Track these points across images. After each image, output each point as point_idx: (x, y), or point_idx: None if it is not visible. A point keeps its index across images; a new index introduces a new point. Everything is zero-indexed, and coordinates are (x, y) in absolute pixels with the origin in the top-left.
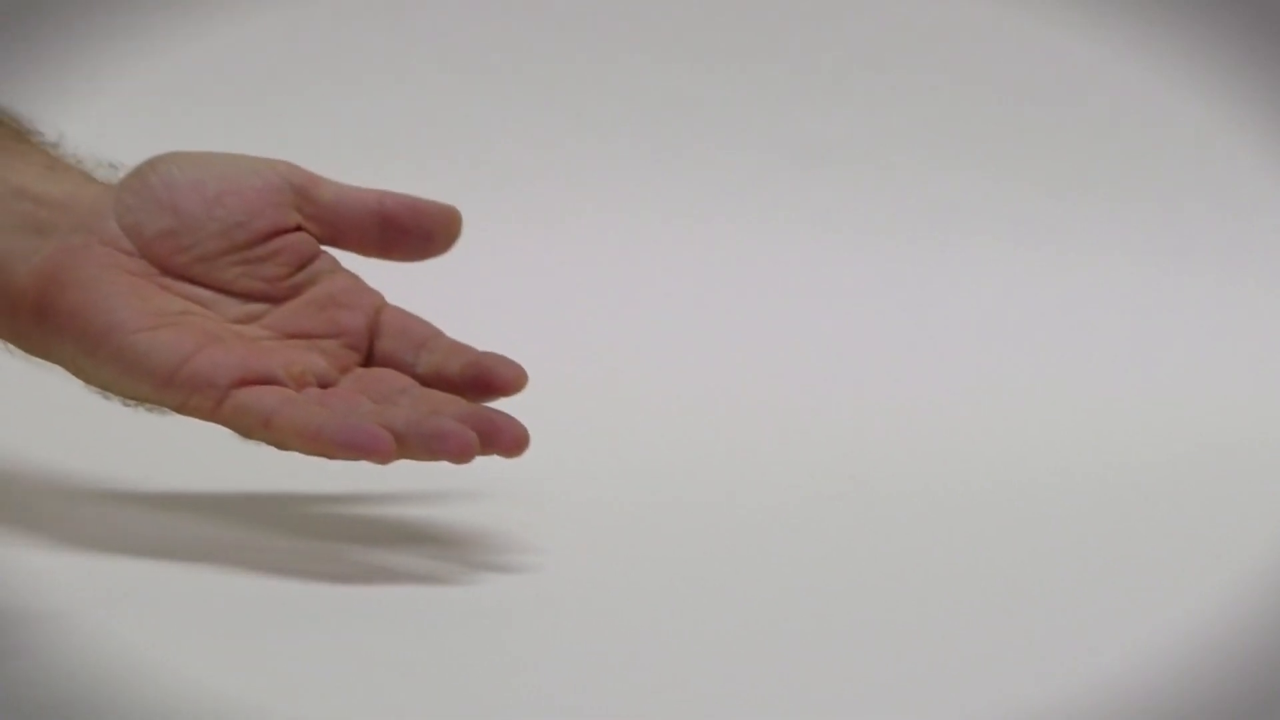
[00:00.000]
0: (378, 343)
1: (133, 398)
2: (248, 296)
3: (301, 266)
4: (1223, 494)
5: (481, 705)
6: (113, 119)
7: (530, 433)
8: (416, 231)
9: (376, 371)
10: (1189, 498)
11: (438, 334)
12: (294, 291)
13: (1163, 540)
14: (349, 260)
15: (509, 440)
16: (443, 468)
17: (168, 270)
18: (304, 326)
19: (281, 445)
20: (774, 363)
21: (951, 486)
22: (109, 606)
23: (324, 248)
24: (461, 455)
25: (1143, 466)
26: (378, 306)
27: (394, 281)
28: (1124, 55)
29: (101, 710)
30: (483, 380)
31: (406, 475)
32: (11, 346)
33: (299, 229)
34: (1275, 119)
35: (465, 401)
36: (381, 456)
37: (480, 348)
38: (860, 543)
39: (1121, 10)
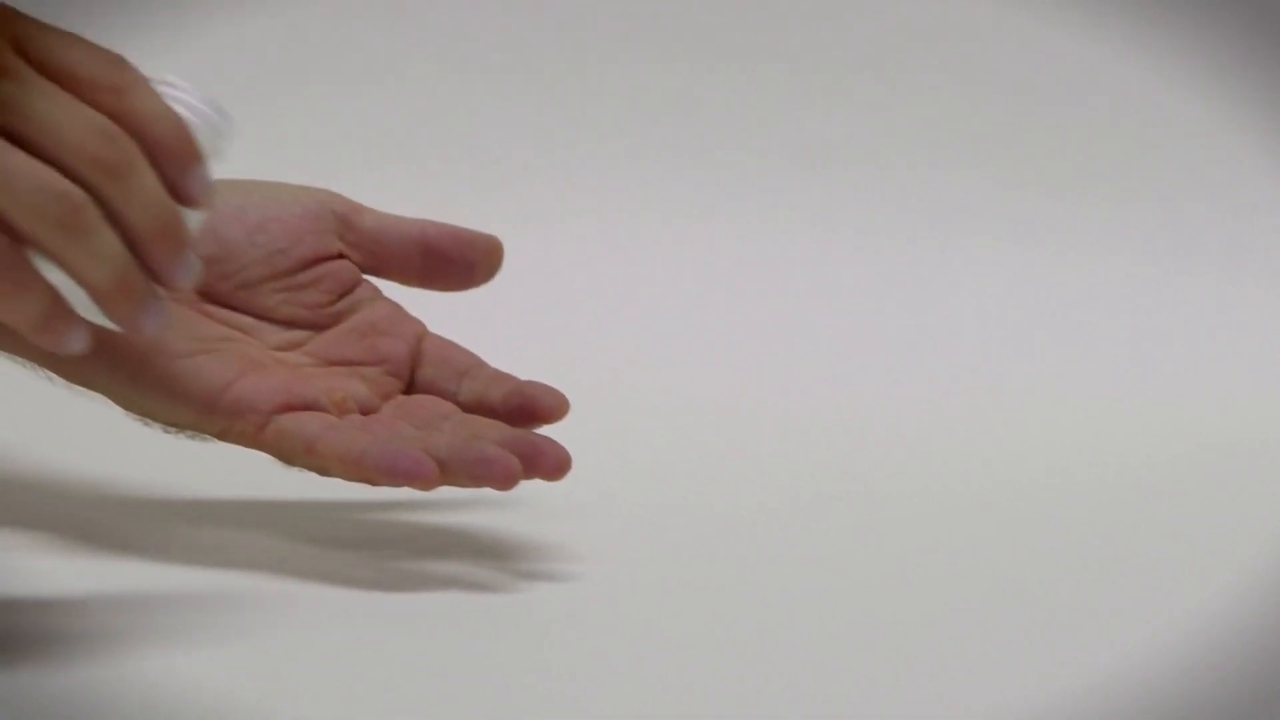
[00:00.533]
0: (419, 370)
1: (174, 424)
2: (289, 323)
3: (343, 294)
4: (1223, 494)
5: (511, 710)
6: None
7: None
8: (460, 261)
9: (418, 398)
10: (1189, 497)
11: (480, 363)
12: (335, 319)
13: (1163, 540)
14: (389, 289)
15: (551, 464)
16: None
17: (209, 297)
18: (345, 354)
19: (324, 471)
20: (774, 363)
21: (952, 486)
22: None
23: (365, 276)
24: (506, 481)
25: (1142, 466)
26: (419, 334)
27: (393, 283)
28: (1124, 55)
29: (104, 710)
30: (526, 409)
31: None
32: (51, 374)
33: (341, 256)
34: (1275, 119)
35: (507, 426)
36: (425, 483)
37: (483, 353)
38: (860, 543)
39: (1121, 10)
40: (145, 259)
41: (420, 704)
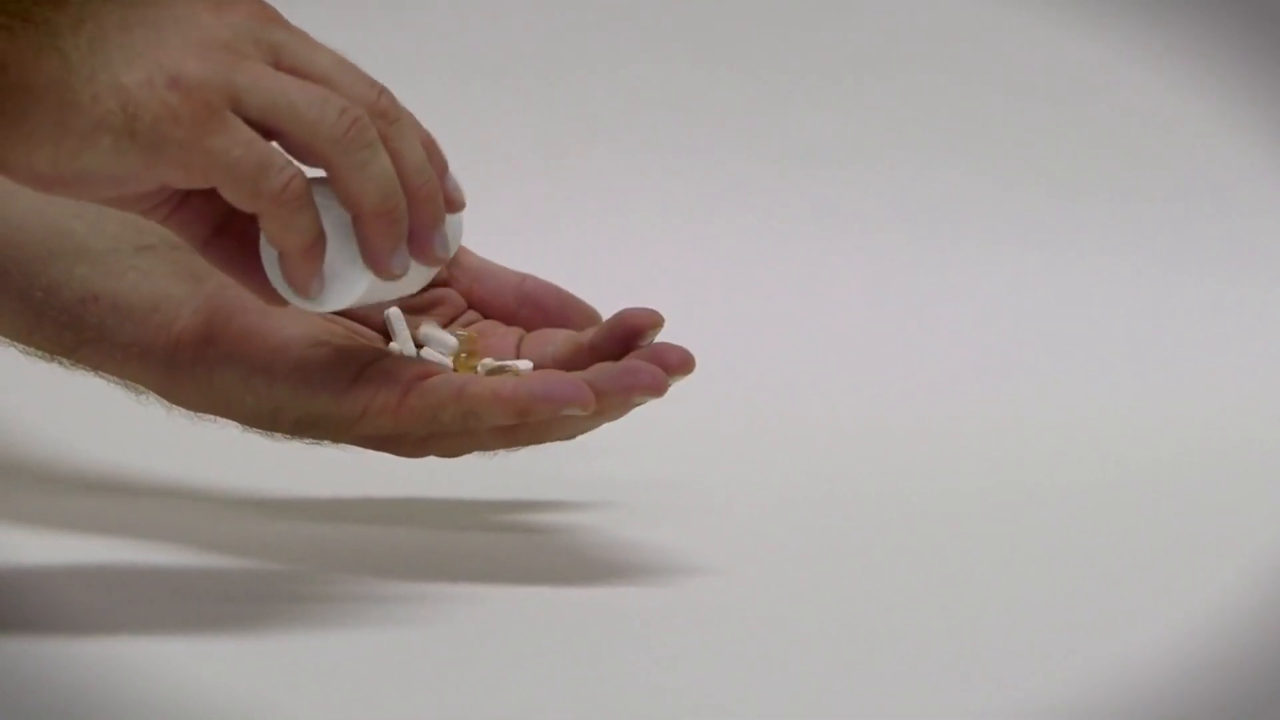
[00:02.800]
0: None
1: (305, 417)
2: None
3: (454, 319)
4: (1223, 494)
5: (510, 708)
6: None
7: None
8: (556, 320)
9: (541, 333)
10: (1189, 498)
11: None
12: None
13: (1163, 540)
14: None
15: (677, 359)
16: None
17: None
18: None
19: (475, 418)
20: (774, 363)
21: (951, 486)
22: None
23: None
24: (656, 388)
25: (1142, 466)
26: (520, 335)
27: None
28: (1124, 55)
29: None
30: (628, 330)
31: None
32: (164, 400)
33: (447, 285)
34: (1275, 119)
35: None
36: (583, 403)
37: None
38: (861, 543)
39: (1121, 10)
40: (410, 208)
41: (418, 702)
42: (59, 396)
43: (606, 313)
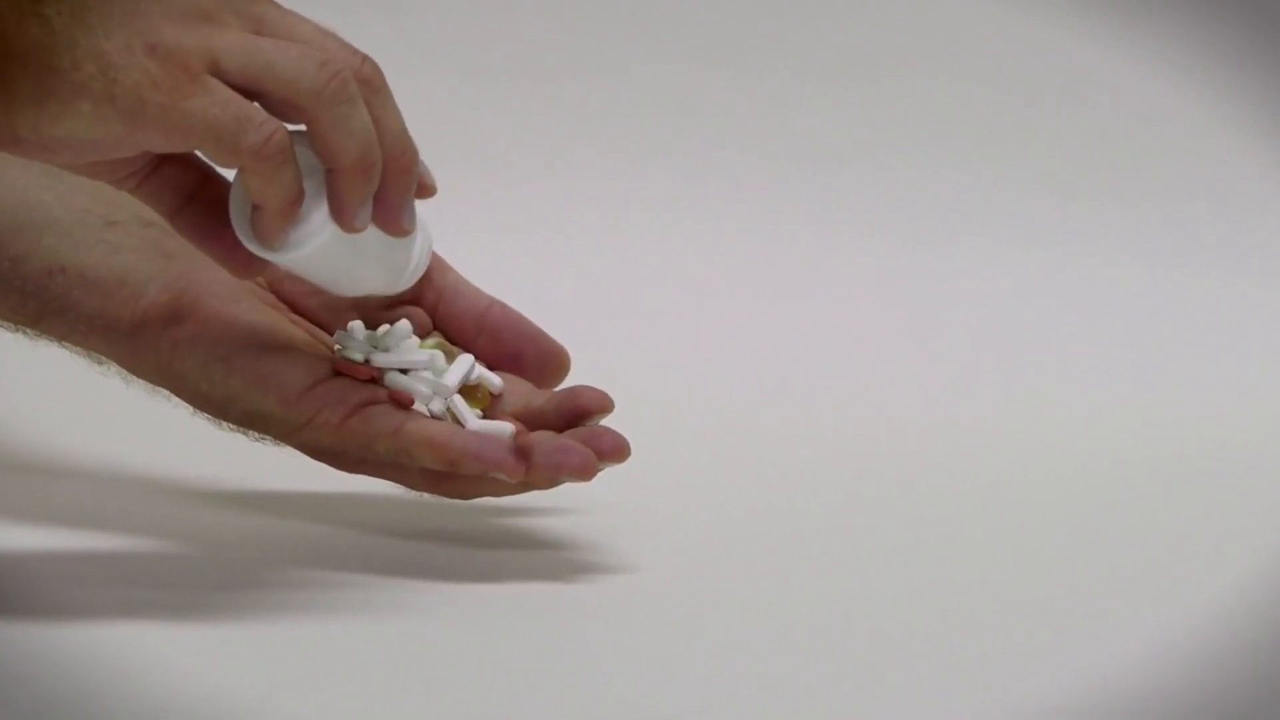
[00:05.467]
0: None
1: (252, 412)
2: None
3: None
4: (1223, 494)
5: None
6: None
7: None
8: (512, 354)
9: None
10: (1189, 497)
11: (520, 381)
12: None
13: (1163, 539)
14: None
15: (610, 446)
16: None
17: (296, 309)
18: None
19: (407, 456)
20: (774, 362)
21: (951, 487)
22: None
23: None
24: (585, 471)
25: (1142, 466)
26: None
27: None
28: (1124, 55)
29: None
30: (576, 408)
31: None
32: (124, 371)
33: (416, 303)
34: (1275, 119)
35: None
36: (510, 472)
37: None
38: (861, 543)
39: (1121, 10)
40: (386, 176)
41: (415, 699)
42: (34, 381)
43: (606, 311)
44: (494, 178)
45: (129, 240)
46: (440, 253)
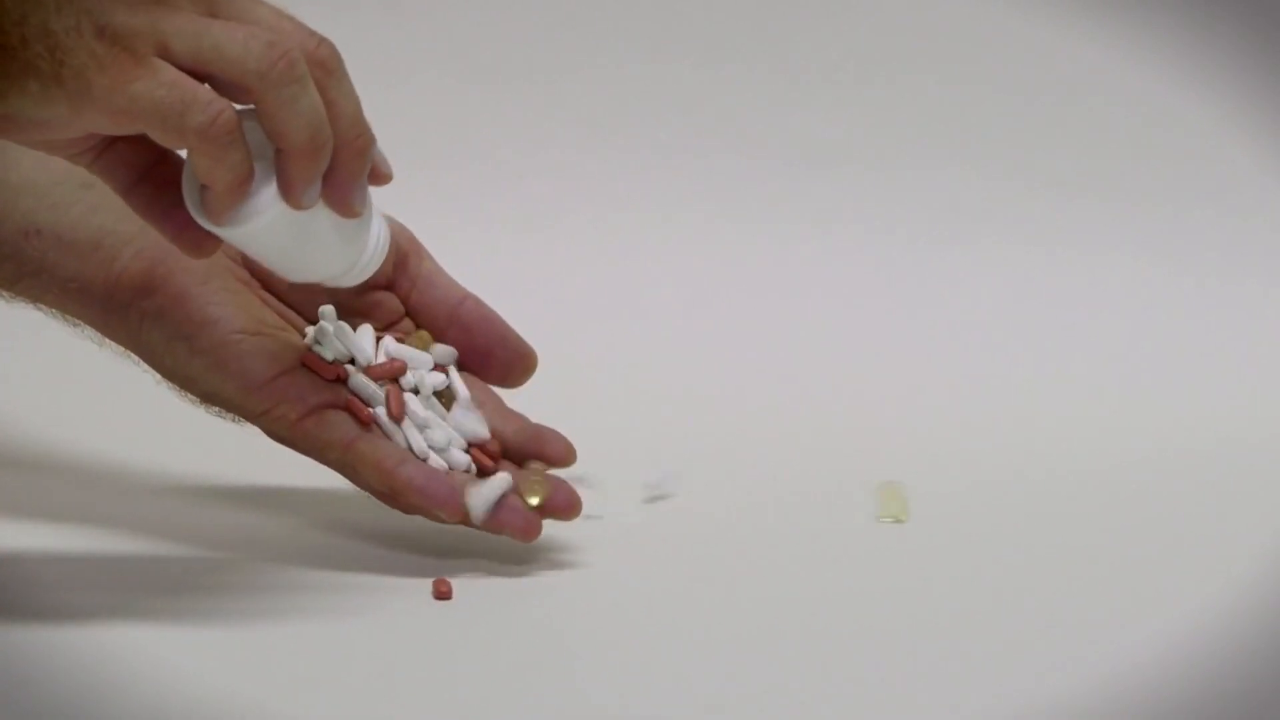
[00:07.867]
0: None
1: (215, 392)
2: None
3: (387, 327)
4: (1223, 494)
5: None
6: None
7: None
8: (482, 351)
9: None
10: (1189, 497)
11: (495, 398)
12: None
13: (1163, 539)
14: None
15: (564, 503)
16: None
17: (267, 286)
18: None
19: (352, 472)
20: (775, 362)
21: (950, 486)
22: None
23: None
24: (526, 534)
25: (1142, 466)
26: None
27: None
28: (1124, 55)
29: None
30: (536, 449)
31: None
32: (98, 334)
33: (389, 288)
34: (1275, 119)
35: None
36: (450, 513)
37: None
38: (861, 542)
39: (1121, 10)
40: (338, 157)
41: (411, 697)
42: (37, 379)
43: (607, 311)
44: (492, 177)
45: (106, 202)
46: (437, 250)
